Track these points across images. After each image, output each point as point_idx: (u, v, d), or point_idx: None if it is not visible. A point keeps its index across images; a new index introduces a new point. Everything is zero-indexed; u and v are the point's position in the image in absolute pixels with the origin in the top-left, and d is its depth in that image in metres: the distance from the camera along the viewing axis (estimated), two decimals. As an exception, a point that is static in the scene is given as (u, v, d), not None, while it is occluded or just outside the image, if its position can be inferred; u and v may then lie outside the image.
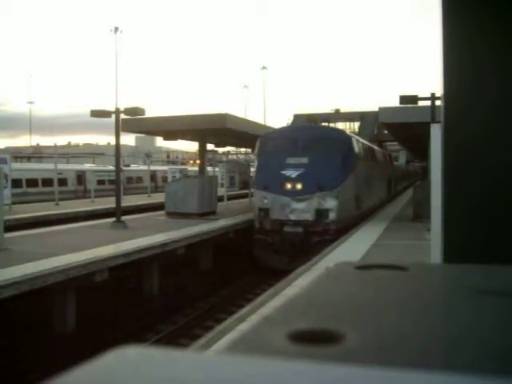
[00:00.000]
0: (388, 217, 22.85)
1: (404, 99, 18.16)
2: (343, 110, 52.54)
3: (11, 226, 16.12)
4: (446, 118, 2.36)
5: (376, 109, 25.16)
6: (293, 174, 19.80)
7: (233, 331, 7.02)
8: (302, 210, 19.55)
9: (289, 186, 19.68)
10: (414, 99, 18.24)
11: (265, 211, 20.08)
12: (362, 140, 25.48)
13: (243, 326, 7.15)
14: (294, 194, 19.64)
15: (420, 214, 19.03)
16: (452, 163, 2.37)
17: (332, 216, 19.56)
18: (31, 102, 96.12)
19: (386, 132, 35.86)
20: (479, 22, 2.22)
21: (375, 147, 31.62)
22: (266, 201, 20.04)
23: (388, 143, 50.71)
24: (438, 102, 16.49)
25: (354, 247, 14.05)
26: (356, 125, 47.71)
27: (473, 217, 2.32)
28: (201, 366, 0.56)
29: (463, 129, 2.31)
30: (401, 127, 21.45)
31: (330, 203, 19.52)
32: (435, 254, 4.44)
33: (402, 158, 57.50)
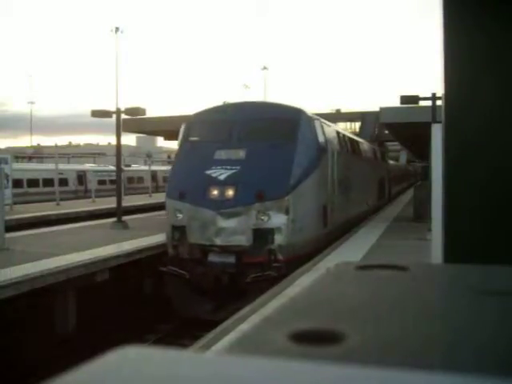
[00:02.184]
0: (389, 217, 22.82)
1: (405, 99, 18.15)
2: (344, 110, 52.55)
3: (12, 226, 16.15)
4: (447, 118, 2.36)
5: (377, 109, 25.12)
6: (222, 174, 13.08)
7: (233, 331, 7.02)
8: (232, 231, 12.72)
9: (215, 192, 12.92)
10: (414, 99, 18.23)
11: (180, 231, 13.31)
12: (335, 127, 19.22)
13: (244, 326, 7.15)
14: (221, 204, 12.77)
15: (421, 214, 19.01)
16: (452, 163, 2.37)
17: (279, 239, 12.68)
18: (32, 102, 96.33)
19: (386, 132, 35.85)
20: (479, 22, 2.22)
21: (360, 140, 25.01)
22: (180, 215, 13.28)
23: (389, 143, 50.69)
24: (438, 102, 16.49)
25: (355, 247, 14.05)
26: (357, 125, 47.68)
27: (473, 217, 2.32)
28: (201, 366, 0.56)
29: (464, 129, 2.31)
30: (401, 127, 21.43)
31: (276, 219, 12.73)
32: (436, 254, 4.44)
33: (402, 157, 57.41)
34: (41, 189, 34.06)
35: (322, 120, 16.32)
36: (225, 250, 12.71)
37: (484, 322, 0.79)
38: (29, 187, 33.47)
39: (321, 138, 15.02)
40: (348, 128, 46.82)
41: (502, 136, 2.27)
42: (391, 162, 41.22)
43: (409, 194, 36.09)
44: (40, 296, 10.89)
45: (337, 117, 46.83)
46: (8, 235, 13.92)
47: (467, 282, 1.03)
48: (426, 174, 25.64)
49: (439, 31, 2.27)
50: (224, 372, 0.54)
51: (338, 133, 18.67)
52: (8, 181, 21.20)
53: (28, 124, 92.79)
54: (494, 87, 2.26)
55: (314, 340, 0.69)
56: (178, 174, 14.30)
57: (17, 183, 28.43)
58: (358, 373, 0.54)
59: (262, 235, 12.71)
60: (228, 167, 13.28)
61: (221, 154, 13.66)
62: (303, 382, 0.52)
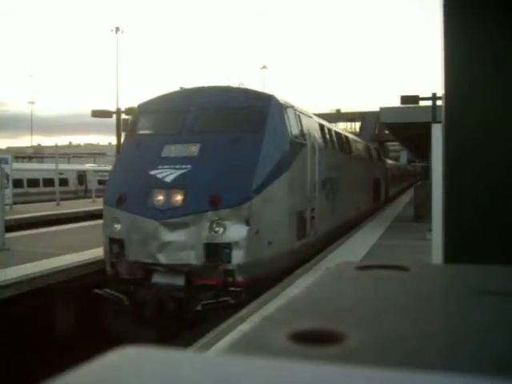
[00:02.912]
0: (389, 217, 22.83)
1: (405, 99, 18.16)
2: (344, 110, 52.57)
3: (12, 226, 16.15)
4: (447, 118, 2.36)
5: (377, 109, 25.11)
6: (169, 175, 10.58)
7: (234, 331, 7.02)
8: (180, 246, 10.11)
9: (159, 198, 10.36)
10: (414, 99, 18.24)
11: (119, 245, 10.75)
12: (318, 119, 15.92)
13: (244, 327, 7.15)
14: (165, 213, 10.18)
15: (421, 214, 19.01)
16: (453, 163, 2.37)
17: (238, 257, 9.96)
18: (32, 102, 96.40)
19: (387, 132, 35.84)
20: (480, 23, 2.22)
21: (351, 136, 22.22)
22: (117, 226, 10.78)
23: (389, 143, 50.70)
24: (439, 102, 16.50)
25: (355, 247, 14.05)
26: (357, 125, 47.69)
27: (473, 217, 2.32)
28: (202, 366, 0.56)
29: (464, 129, 2.31)
30: (402, 127, 21.43)
31: (235, 231, 10.07)
32: (436, 254, 4.44)
33: (403, 158, 57.31)
34: (41, 189, 34.09)
35: (300, 109, 13.41)
36: (172, 269, 10.01)
37: (484, 322, 0.79)
38: (29, 187, 33.49)
39: (296, 131, 12.31)
40: (348, 128, 46.85)
41: (503, 136, 2.27)
42: (389, 161, 38.41)
43: (409, 195, 36.06)
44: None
45: (337, 117, 46.86)
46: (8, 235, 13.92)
47: (467, 282, 1.03)
48: (426, 173, 25.46)
49: (439, 31, 2.27)
50: (224, 372, 0.54)
51: (321, 126, 15.68)
52: (8, 181, 21.21)
53: (28, 124, 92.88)
54: (493, 87, 2.26)
55: (314, 340, 0.69)
56: (117, 176, 11.59)
57: (17, 183, 28.45)
58: (357, 373, 0.54)
59: (217, 251, 9.93)
60: (177, 166, 10.61)
61: (169, 151, 11.01)
62: (303, 381, 0.52)
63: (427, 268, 1.30)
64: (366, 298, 0.92)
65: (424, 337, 0.73)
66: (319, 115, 21.15)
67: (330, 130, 17.07)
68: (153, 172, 10.72)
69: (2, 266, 10.82)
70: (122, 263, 10.61)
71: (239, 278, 9.89)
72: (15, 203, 23.81)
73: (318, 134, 14.83)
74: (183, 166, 10.66)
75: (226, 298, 9.72)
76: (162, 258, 10.15)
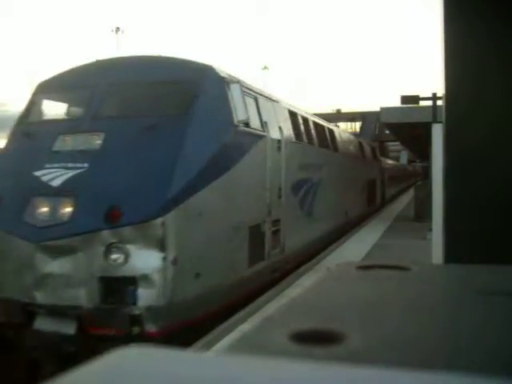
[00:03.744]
0: (389, 217, 22.84)
1: (405, 99, 18.16)
2: (344, 110, 52.65)
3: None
4: (448, 118, 2.37)
5: (377, 109, 25.09)
6: (58, 177, 7.72)
7: (234, 331, 7.02)
8: (64, 279, 6.99)
9: (41, 209, 7.40)
10: (415, 99, 18.23)
11: None
12: (287, 104, 12.40)
13: (245, 327, 7.15)
14: (44, 232, 7.03)
15: (421, 214, 19.01)
16: (453, 163, 2.37)
17: (148, 297, 6.89)
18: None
19: (387, 132, 35.84)
20: (480, 23, 2.22)
21: (338, 130, 19.00)
22: None
23: (390, 143, 50.74)
24: (439, 102, 16.50)
25: (356, 247, 14.04)
26: (357, 125, 47.71)
27: (474, 217, 2.32)
28: (203, 365, 0.56)
29: (464, 129, 2.31)
30: (402, 127, 21.41)
31: (142, 260, 6.99)
32: (437, 254, 4.44)
33: (403, 157, 57.25)
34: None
35: (256, 88, 10.17)
36: (58, 312, 6.94)
37: (485, 321, 0.79)
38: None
39: (245, 116, 8.80)
40: (348, 128, 46.89)
41: (503, 136, 2.27)
42: (386, 160, 35.87)
43: (408, 196, 35.99)
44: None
45: (337, 117, 46.93)
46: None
47: (468, 282, 1.03)
48: (426, 173, 25.24)
49: (439, 31, 2.28)
50: (224, 372, 0.54)
51: (294, 115, 12.37)
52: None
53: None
54: (494, 87, 2.26)
55: (315, 340, 0.69)
56: None
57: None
58: (358, 372, 0.54)
59: (116, 289, 6.93)
60: (70, 165, 7.60)
61: (63, 143, 7.94)
62: (304, 381, 0.52)
63: (428, 268, 1.30)
64: (367, 297, 0.92)
65: (424, 336, 0.73)
66: (319, 115, 20.52)
67: (306, 120, 13.60)
68: (37, 173, 7.56)
69: None
70: None
71: (150, 327, 6.81)
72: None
73: (287, 124, 11.58)
74: (78, 165, 7.52)
75: None
76: (41, 297, 6.95)
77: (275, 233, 10.19)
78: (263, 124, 9.91)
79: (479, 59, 2.25)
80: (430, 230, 7.69)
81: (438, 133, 4.79)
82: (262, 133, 9.69)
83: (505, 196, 2.27)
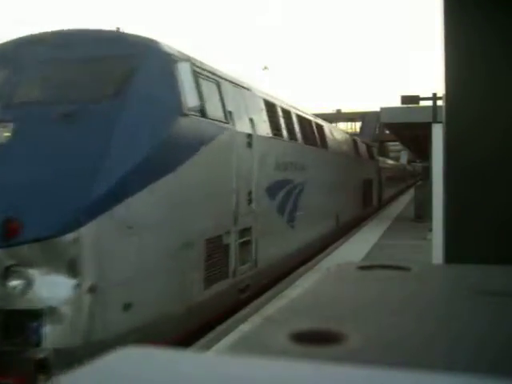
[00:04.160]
0: (390, 217, 22.84)
1: (405, 99, 18.18)
2: (344, 110, 52.70)
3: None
4: (448, 118, 2.37)
5: (377, 109, 25.10)
6: None
7: (234, 331, 7.02)
8: None
9: None
10: (415, 99, 18.25)
11: None
12: (256, 90, 10.29)
13: (245, 327, 7.15)
14: None
15: (421, 214, 19.02)
16: (453, 163, 2.37)
17: (56, 336, 5.04)
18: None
19: (387, 132, 35.84)
20: (479, 23, 2.22)
21: (325, 124, 16.65)
22: None
23: (390, 143, 50.76)
24: (439, 102, 16.51)
25: (356, 247, 14.05)
26: (357, 125, 47.73)
27: (474, 217, 2.32)
28: (203, 365, 0.56)
29: (464, 128, 2.31)
30: (402, 127, 21.43)
31: (48, 288, 5.12)
32: (437, 254, 4.44)
33: (403, 157, 57.27)
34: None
35: (216, 70, 8.30)
36: None
37: (484, 321, 0.79)
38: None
39: (194, 102, 7.03)
40: (349, 128, 46.93)
41: (502, 136, 2.27)
42: (384, 159, 34.42)
43: (408, 196, 35.98)
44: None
45: (337, 117, 46.95)
46: None
47: (468, 283, 1.03)
48: (426, 173, 25.27)
49: (440, 31, 2.27)
50: (224, 372, 0.54)
51: (270, 106, 10.51)
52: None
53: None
54: (494, 88, 2.26)
55: (315, 340, 0.69)
56: None
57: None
58: (358, 373, 0.54)
59: (16, 325, 5.30)
60: None
61: None
62: (304, 381, 0.52)
63: (428, 268, 1.30)
64: (367, 298, 0.92)
65: (425, 337, 0.73)
66: (320, 115, 20.34)
67: (288, 113, 11.81)
68: None
69: None
70: None
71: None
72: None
73: (261, 117, 9.79)
74: None
75: None
76: None
77: (244, 244, 8.58)
78: (227, 114, 8.15)
79: (480, 59, 2.25)
80: (430, 230, 7.71)
81: (438, 133, 4.80)
82: (226, 125, 7.98)
83: (505, 196, 2.27)
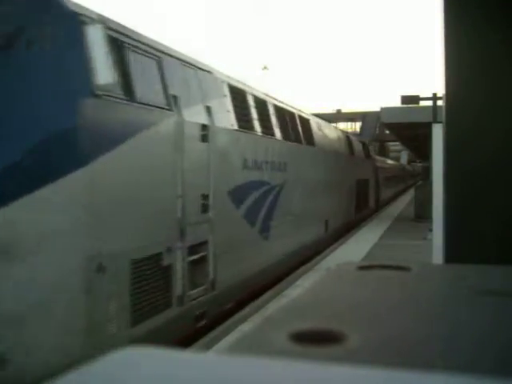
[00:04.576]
0: (390, 217, 22.85)
1: (406, 99, 18.19)
2: (345, 110, 52.73)
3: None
4: (448, 118, 2.37)
5: (378, 109, 25.10)
6: None
7: (234, 331, 7.02)
8: None
9: None
10: (415, 99, 18.27)
11: None
12: (217, 72, 8.50)
13: (245, 326, 7.15)
14: None
15: (421, 214, 19.03)
16: (453, 163, 2.37)
17: None
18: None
19: (387, 132, 35.84)
20: (479, 24, 2.22)
21: (312, 117, 14.60)
22: None
23: (390, 143, 50.77)
24: (439, 102, 16.51)
25: (356, 247, 14.05)
26: (358, 125, 47.72)
27: (474, 217, 2.32)
28: (203, 366, 0.56)
29: (464, 129, 2.31)
30: (402, 127, 21.43)
31: None
32: (437, 254, 4.44)
33: (403, 158, 57.26)
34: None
35: (153, 41, 6.71)
36: None
37: (485, 322, 0.79)
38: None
39: (110, 79, 5.44)
40: (349, 128, 46.94)
41: (503, 136, 2.27)
42: (381, 158, 32.39)
43: (408, 197, 35.96)
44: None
45: (338, 117, 46.94)
46: None
47: (469, 283, 1.03)
48: (426, 173, 25.20)
49: (440, 32, 2.27)
50: (225, 372, 0.54)
51: (236, 92, 8.80)
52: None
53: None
54: (494, 88, 2.26)
55: (315, 340, 0.69)
56: None
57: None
58: (358, 373, 0.54)
59: None
60: None
61: None
62: (304, 382, 0.52)
63: (428, 268, 1.30)
64: (367, 298, 0.92)
65: (425, 337, 0.73)
66: (320, 115, 20.21)
67: (263, 103, 9.99)
68: None
69: None
70: None
71: None
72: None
73: (223, 105, 8.10)
74: None
75: None
76: None
77: (197, 263, 6.96)
78: (170, 99, 6.57)
79: (480, 59, 2.25)
80: (430, 230, 7.71)
81: (438, 133, 4.80)
82: (167, 112, 6.50)
83: (505, 196, 2.27)
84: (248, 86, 9.78)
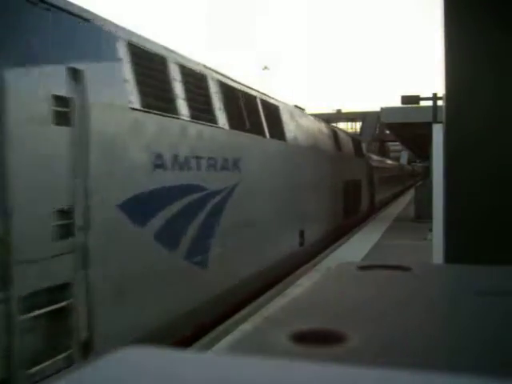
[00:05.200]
0: (390, 217, 22.85)
1: (406, 99, 18.19)
2: (345, 110, 52.71)
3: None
4: (448, 118, 2.37)
5: (378, 109, 25.11)
6: None
7: (235, 331, 7.02)
8: None
9: None
10: (415, 99, 18.27)
11: None
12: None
13: (245, 326, 7.15)
14: None
15: (421, 214, 19.03)
16: (453, 163, 2.37)
17: None
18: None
19: (388, 132, 35.85)
20: (479, 23, 2.22)
21: (279, 102, 11.62)
22: None
23: (390, 143, 50.76)
24: (439, 102, 16.51)
25: (356, 247, 14.05)
26: (358, 125, 47.73)
27: (474, 217, 2.32)
28: (203, 366, 0.56)
29: (464, 129, 2.31)
30: (402, 127, 21.43)
31: None
32: (437, 254, 4.44)
33: (403, 158, 57.25)
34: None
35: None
36: None
37: (485, 322, 0.79)
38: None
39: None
40: (349, 128, 46.95)
41: (503, 136, 2.27)
42: (376, 157, 30.17)
43: (408, 198, 35.95)
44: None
45: (338, 117, 46.95)
46: None
47: (469, 283, 1.03)
48: (426, 173, 25.16)
49: (440, 32, 2.27)
50: (226, 372, 0.54)
51: (140, 53, 6.19)
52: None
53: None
54: (494, 87, 2.26)
55: (316, 340, 0.68)
56: None
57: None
58: (359, 373, 0.54)
59: None
60: None
61: None
62: (304, 382, 0.52)
63: (428, 268, 1.30)
64: (368, 298, 0.92)
65: (425, 337, 0.73)
66: (320, 115, 20.11)
67: (198, 76, 7.61)
68: None
69: None
70: None
71: None
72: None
73: (109, 72, 5.67)
74: None
75: None
76: None
77: (49, 320, 4.21)
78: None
79: (480, 59, 2.25)
80: (430, 230, 7.71)
81: (438, 133, 4.80)
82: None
83: (505, 196, 2.27)
84: (172, 52, 7.08)
